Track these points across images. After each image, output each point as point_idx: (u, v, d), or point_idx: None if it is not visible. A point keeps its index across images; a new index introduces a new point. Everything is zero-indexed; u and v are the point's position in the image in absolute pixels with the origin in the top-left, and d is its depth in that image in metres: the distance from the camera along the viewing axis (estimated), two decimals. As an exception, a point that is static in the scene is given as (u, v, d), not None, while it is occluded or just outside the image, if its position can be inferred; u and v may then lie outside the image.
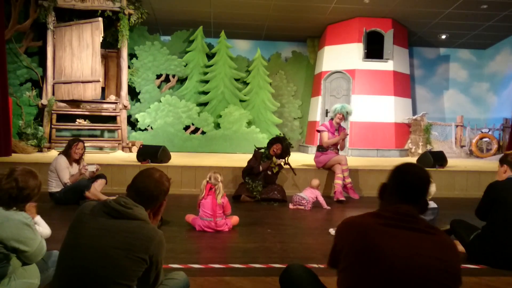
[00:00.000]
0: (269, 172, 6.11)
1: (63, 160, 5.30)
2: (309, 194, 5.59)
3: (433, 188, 3.92)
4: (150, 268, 1.87)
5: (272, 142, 6.21)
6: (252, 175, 6.01)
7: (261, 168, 6.01)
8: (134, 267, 1.80)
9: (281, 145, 6.14)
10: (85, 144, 8.98)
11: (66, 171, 5.27)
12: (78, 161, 5.50)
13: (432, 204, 3.90)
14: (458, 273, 1.57)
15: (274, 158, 6.08)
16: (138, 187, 1.94)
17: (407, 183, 1.70)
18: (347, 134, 6.40)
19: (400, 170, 1.75)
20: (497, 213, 3.29)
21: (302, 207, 5.51)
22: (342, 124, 6.69)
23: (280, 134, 6.35)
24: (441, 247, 1.55)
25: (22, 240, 2.26)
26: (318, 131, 6.68)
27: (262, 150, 6.22)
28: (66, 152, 5.36)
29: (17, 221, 2.27)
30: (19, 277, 2.32)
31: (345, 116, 6.53)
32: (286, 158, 6.23)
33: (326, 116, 10.40)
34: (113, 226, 1.82)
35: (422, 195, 1.70)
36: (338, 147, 6.58)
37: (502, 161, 3.53)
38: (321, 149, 6.52)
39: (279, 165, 6.19)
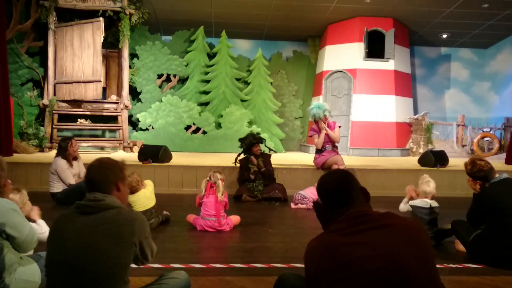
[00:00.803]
0: (262, 169, 6.13)
1: (63, 162, 5.30)
2: (310, 194, 5.59)
3: (430, 187, 3.92)
4: (142, 247, 1.89)
5: (248, 147, 6.23)
6: (248, 181, 6.07)
7: (252, 176, 6.06)
8: (125, 253, 1.82)
9: (256, 142, 6.21)
10: (87, 144, 9.12)
11: (68, 172, 5.29)
12: (76, 159, 5.51)
13: (433, 203, 3.91)
14: (428, 246, 1.59)
15: (250, 165, 6.12)
16: (91, 185, 1.95)
17: (330, 190, 1.73)
18: (324, 127, 6.45)
19: (319, 185, 1.79)
20: (495, 218, 3.29)
21: (304, 206, 5.51)
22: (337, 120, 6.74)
23: (251, 132, 6.54)
24: (403, 233, 1.57)
25: (12, 225, 2.25)
26: (310, 136, 6.73)
27: (242, 156, 6.31)
28: (64, 155, 5.34)
29: (2, 207, 2.26)
30: (19, 275, 2.32)
31: (327, 115, 6.54)
32: (264, 145, 6.41)
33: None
34: (93, 220, 1.83)
35: (349, 190, 1.72)
36: (336, 144, 6.58)
37: (475, 178, 3.48)
38: (318, 151, 6.56)
39: (264, 155, 6.27)
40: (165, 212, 4.57)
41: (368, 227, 1.58)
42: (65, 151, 5.34)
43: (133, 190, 4.24)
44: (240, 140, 6.47)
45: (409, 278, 1.48)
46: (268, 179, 6.15)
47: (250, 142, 6.23)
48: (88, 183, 1.97)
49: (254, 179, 6.05)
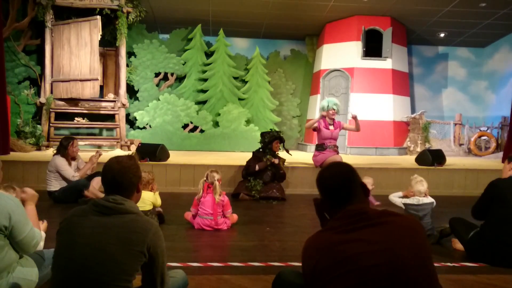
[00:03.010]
0: (281, 171, 6.10)
1: (62, 159, 5.31)
2: None
3: (424, 186, 3.94)
4: (152, 262, 1.85)
5: (271, 140, 6.16)
6: (252, 174, 6.02)
7: (257, 167, 6.01)
8: (133, 262, 1.80)
9: (280, 140, 6.17)
10: (84, 143, 9.09)
11: (69, 168, 5.31)
12: (74, 159, 5.51)
13: (430, 199, 3.93)
14: (425, 244, 1.59)
15: (267, 158, 6.08)
16: (111, 185, 1.92)
17: (331, 187, 1.71)
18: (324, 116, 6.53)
19: (319, 179, 1.76)
20: (496, 211, 3.28)
21: None
22: (337, 118, 6.74)
23: (272, 129, 6.43)
24: (399, 230, 1.57)
25: (14, 221, 2.20)
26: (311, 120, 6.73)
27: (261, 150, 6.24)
28: (63, 153, 5.35)
29: (6, 203, 2.21)
30: (17, 273, 2.30)
31: (336, 110, 6.54)
32: (283, 145, 6.38)
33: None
34: (108, 222, 1.82)
35: (351, 187, 1.69)
36: (337, 144, 6.58)
37: (510, 158, 3.52)
38: (319, 148, 6.53)
39: (280, 158, 6.24)
40: (157, 210, 4.49)
41: (363, 224, 1.58)
42: (65, 150, 5.35)
43: None
44: (262, 134, 6.38)
45: (406, 274, 1.48)
46: (277, 179, 6.15)
47: (273, 136, 6.19)
48: (108, 184, 1.92)
49: (258, 171, 6.00)
